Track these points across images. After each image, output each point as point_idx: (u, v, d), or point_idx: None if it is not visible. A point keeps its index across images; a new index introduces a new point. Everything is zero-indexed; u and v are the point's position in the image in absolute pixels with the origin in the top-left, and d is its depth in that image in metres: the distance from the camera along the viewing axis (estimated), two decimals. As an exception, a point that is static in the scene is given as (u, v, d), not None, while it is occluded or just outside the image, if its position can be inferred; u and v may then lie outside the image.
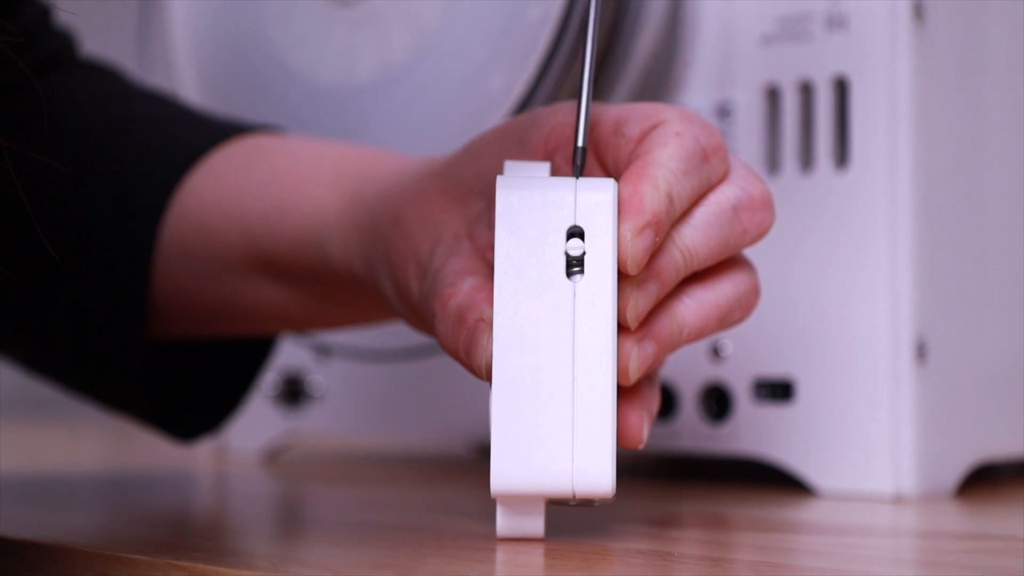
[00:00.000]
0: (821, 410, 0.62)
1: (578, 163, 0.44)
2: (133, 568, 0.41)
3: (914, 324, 0.60)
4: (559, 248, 0.42)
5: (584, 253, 0.42)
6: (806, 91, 0.63)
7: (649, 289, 0.44)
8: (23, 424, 1.19)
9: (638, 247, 0.42)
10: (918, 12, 0.61)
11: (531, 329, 0.42)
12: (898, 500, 0.60)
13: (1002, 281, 0.65)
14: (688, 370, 0.65)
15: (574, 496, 0.43)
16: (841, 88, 0.62)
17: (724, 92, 0.65)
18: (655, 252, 0.43)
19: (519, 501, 0.44)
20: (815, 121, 0.63)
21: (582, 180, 0.43)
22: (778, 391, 0.63)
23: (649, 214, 0.42)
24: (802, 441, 0.62)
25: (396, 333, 0.74)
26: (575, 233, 0.43)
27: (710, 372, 0.65)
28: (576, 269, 0.43)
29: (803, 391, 0.63)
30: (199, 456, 0.83)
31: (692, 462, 0.70)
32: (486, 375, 0.44)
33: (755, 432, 0.64)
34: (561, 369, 0.42)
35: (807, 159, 0.63)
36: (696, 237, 0.45)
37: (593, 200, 0.42)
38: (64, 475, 0.76)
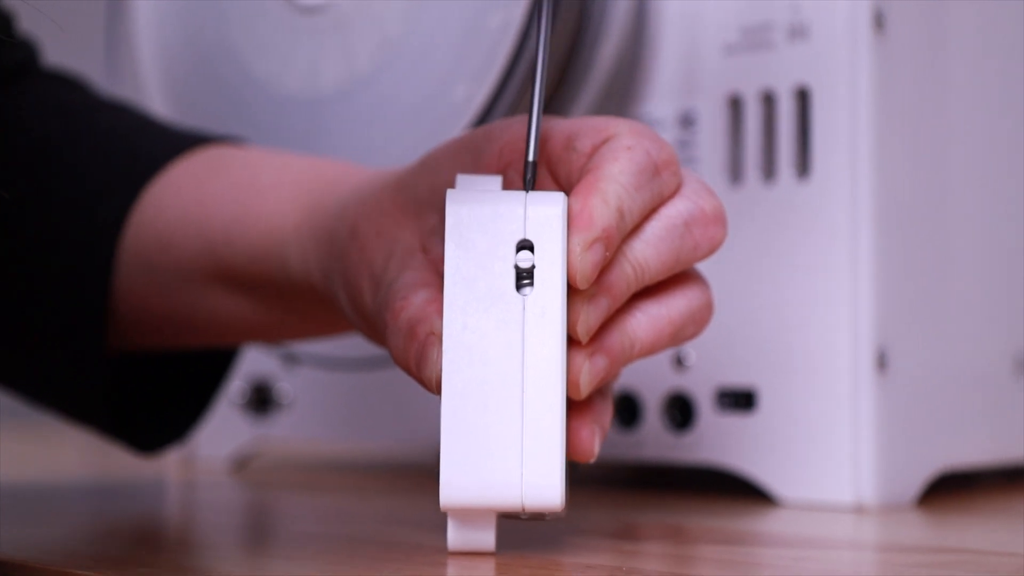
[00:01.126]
0: (783, 420, 0.62)
1: (528, 177, 0.44)
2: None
3: (875, 334, 0.61)
4: (509, 261, 0.43)
5: (533, 266, 0.42)
6: (768, 101, 0.63)
7: (600, 303, 0.44)
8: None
9: (587, 261, 0.42)
10: (878, 21, 0.61)
11: (480, 342, 0.42)
12: (859, 510, 0.60)
13: (963, 290, 0.66)
14: (651, 379, 0.65)
15: (524, 510, 0.43)
16: (803, 97, 0.62)
17: (687, 101, 0.65)
18: (606, 266, 0.43)
19: (470, 514, 0.44)
20: (777, 130, 0.63)
21: (532, 194, 0.43)
22: (740, 400, 0.63)
23: (599, 229, 0.42)
24: (764, 450, 0.63)
25: (362, 342, 0.74)
26: (525, 246, 0.43)
27: (673, 381, 0.65)
28: (526, 282, 0.43)
29: (765, 400, 0.63)
30: (167, 464, 0.83)
31: (655, 471, 0.70)
32: (436, 388, 0.44)
33: (718, 441, 0.64)
34: (510, 382, 0.42)
35: (769, 169, 0.63)
36: (647, 251, 0.45)
37: (543, 214, 0.43)
38: (27, 485, 0.76)
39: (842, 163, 0.61)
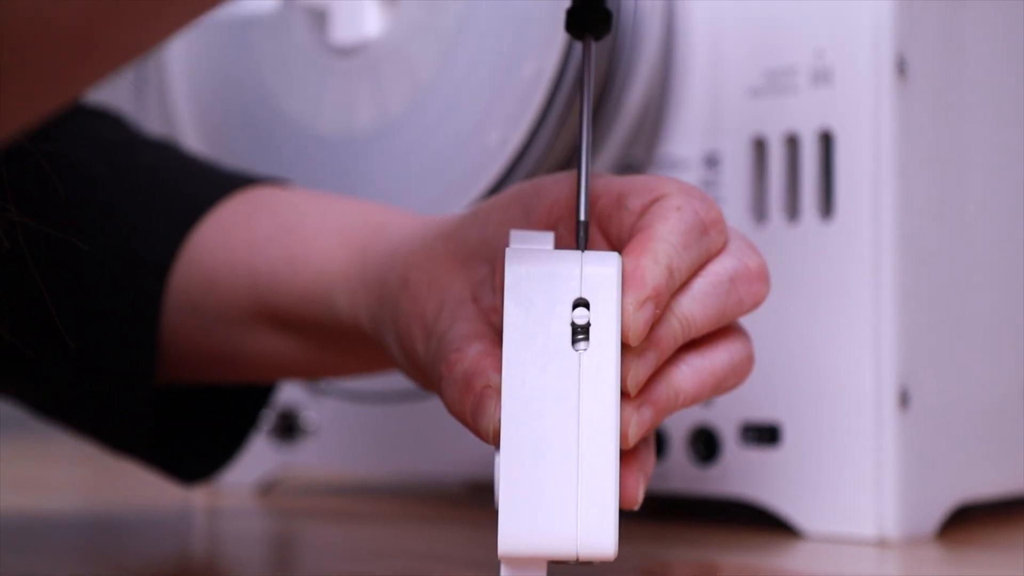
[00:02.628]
0: (806, 454, 0.64)
1: (581, 236, 0.45)
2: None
3: (897, 372, 0.62)
4: (565, 319, 0.44)
5: (589, 323, 0.44)
6: (792, 143, 0.65)
7: (648, 358, 0.45)
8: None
9: (640, 320, 0.44)
10: (901, 68, 0.63)
11: (538, 397, 0.44)
12: (881, 543, 0.62)
13: (979, 327, 0.67)
14: (677, 414, 0.66)
15: (578, 558, 0.44)
16: (826, 141, 0.64)
17: (712, 143, 0.67)
18: (655, 322, 0.45)
19: (523, 561, 0.45)
20: (801, 172, 0.64)
21: (587, 254, 0.45)
22: (765, 435, 0.65)
23: (650, 288, 0.44)
24: (788, 484, 0.64)
25: (387, 376, 0.76)
26: (581, 304, 0.44)
27: (698, 416, 0.66)
28: (581, 338, 0.44)
29: (789, 435, 0.64)
30: (192, 490, 0.84)
31: (680, 502, 0.72)
32: (492, 439, 0.45)
33: (742, 475, 0.65)
34: (566, 435, 0.44)
35: (793, 209, 0.65)
36: (694, 307, 0.46)
37: (598, 274, 0.44)
38: (43, 511, 0.77)
39: (864, 204, 0.63)
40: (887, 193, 0.62)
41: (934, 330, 0.64)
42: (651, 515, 0.71)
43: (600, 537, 0.44)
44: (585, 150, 0.46)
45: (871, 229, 0.62)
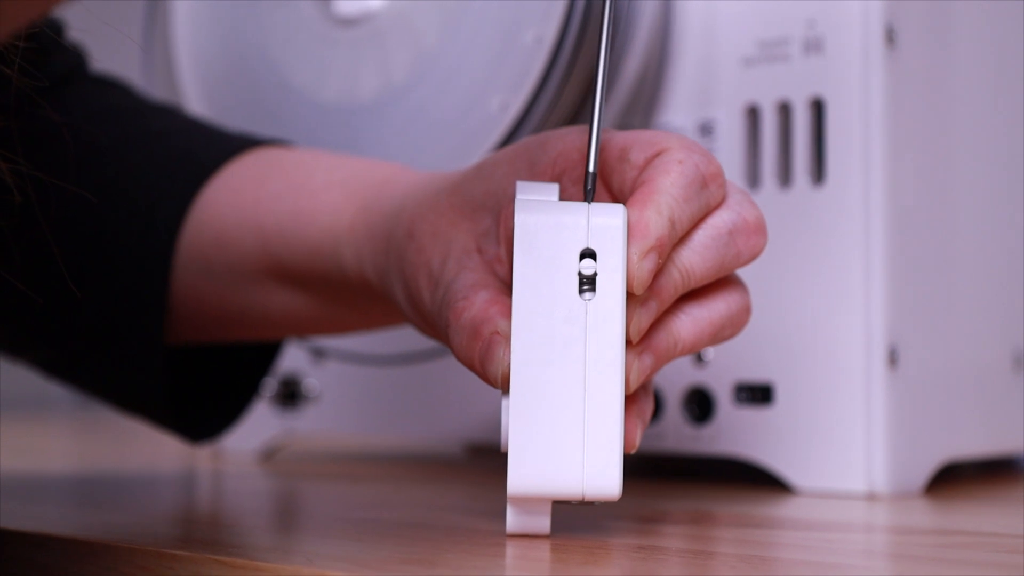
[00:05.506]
0: (799, 413, 0.66)
1: (589, 188, 0.47)
2: (173, 562, 0.45)
3: (886, 331, 0.64)
4: (573, 269, 0.46)
5: (596, 273, 0.46)
6: (784, 111, 0.67)
7: (650, 306, 0.47)
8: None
9: (644, 269, 0.46)
10: (890, 36, 0.64)
11: (546, 343, 0.46)
12: (871, 497, 0.63)
13: (966, 291, 0.69)
14: (672, 374, 0.68)
15: (584, 498, 0.46)
16: (818, 108, 0.66)
17: (707, 111, 0.68)
18: (657, 272, 0.47)
19: (528, 501, 0.47)
20: (793, 139, 0.66)
21: (594, 205, 0.46)
22: (758, 394, 0.67)
23: (653, 238, 0.46)
24: (781, 442, 0.66)
25: (390, 338, 0.77)
26: (588, 255, 0.46)
27: (693, 376, 0.68)
28: (587, 288, 0.46)
29: (782, 395, 0.66)
30: (196, 456, 0.86)
31: (676, 461, 0.74)
32: (500, 384, 0.47)
33: (736, 433, 0.67)
34: (573, 381, 0.46)
35: (785, 175, 0.67)
36: (694, 259, 0.48)
37: (605, 225, 0.46)
38: (52, 474, 0.79)
39: (855, 170, 0.64)
40: (876, 159, 0.64)
41: (922, 292, 0.66)
42: (648, 473, 0.73)
43: (605, 478, 0.46)
44: (599, 102, 0.47)
45: (861, 194, 0.64)
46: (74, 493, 0.69)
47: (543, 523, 0.48)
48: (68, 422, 1.32)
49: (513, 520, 0.48)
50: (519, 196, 0.48)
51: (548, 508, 0.48)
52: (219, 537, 0.52)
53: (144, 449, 0.95)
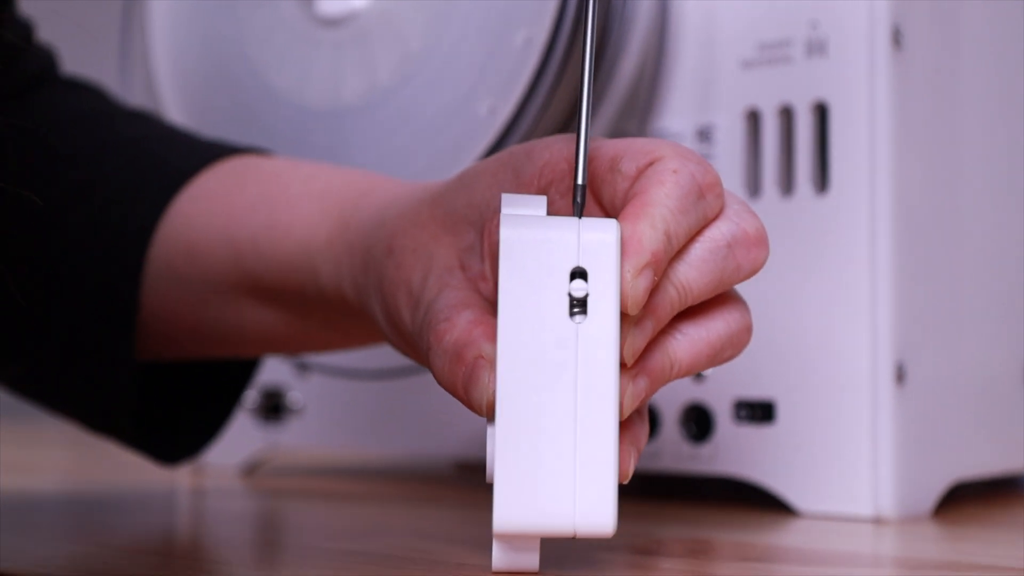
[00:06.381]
0: (801, 432, 0.63)
1: (578, 201, 0.44)
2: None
3: (894, 347, 0.61)
4: (563, 289, 0.43)
5: (587, 295, 0.43)
6: (786, 115, 0.64)
7: (645, 327, 0.44)
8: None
9: (639, 288, 0.43)
10: (896, 39, 0.62)
11: (534, 368, 0.43)
12: (877, 521, 0.61)
13: (975, 303, 0.66)
14: (669, 391, 0.66)
15: (575, 535, 0.43)
16: (821, 113, 0.63)
17: (705, 116, 0.66)
18: (652, 290, 0.44)
19: (517, 537, 0.44)
20: (795, 145, 0.64)
21: (584, 220, 0.43)
22: (758, 412, 0.64)
23: (648, 254, 0.43)
24: (782, 462, 0.63)
25: (376, 350, 0.75)
26: (578, 274, 0.43)
27: (691, 393, 0.65)
28: (578, 310, 0.43)
29: (783, 412, 0.63)
30: (178, 471, 0.83)
31: (673, 481, 0.71)
32: (486, 412, 0.44)
33: (736, 453, 0.64)
34: (564, 408, 0.43)
35: (787, 183, 0.64)
36: (691, 274, 0.45)
37: (597, 241, 0.43)
38: (28, 492, 0.76)
39: (860, 178, 0.62)
40: (883, 166, 0.61)
41: (931, 305, 0.63)
42: (642, 494, 0.71)
43: (599, 513, 0.43)
44: (586, 110, 0.44)
45: (867, 202, 0.61)
46: (58, 516, 0.66)
47: (532, 560, 0.45)
48: (62, 428, 1.29)
49: (500, 557, 0.45)
50: (504, 210, 0.45)
51: (537, 544, 0.45)
52: (170, 573, 0.49)
53: (132, 459, 0.92)
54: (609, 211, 0.47)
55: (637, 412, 0.47)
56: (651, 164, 0.45)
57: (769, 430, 0.64)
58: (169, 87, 0.74)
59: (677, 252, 0.45)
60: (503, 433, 0.43)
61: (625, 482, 0.46)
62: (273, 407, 0.81)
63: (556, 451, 0.43)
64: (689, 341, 0.46)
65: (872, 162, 0.61)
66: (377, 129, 0.67)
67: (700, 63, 0.66)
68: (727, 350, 0.47)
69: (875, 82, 0.62)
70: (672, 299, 0.45)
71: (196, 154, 0.61)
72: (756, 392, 0.64)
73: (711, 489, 0.71)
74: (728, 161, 0.65)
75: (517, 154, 0.49)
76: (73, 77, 0.67)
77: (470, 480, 0.81)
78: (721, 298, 0.47)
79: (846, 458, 0.62)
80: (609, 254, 0.43)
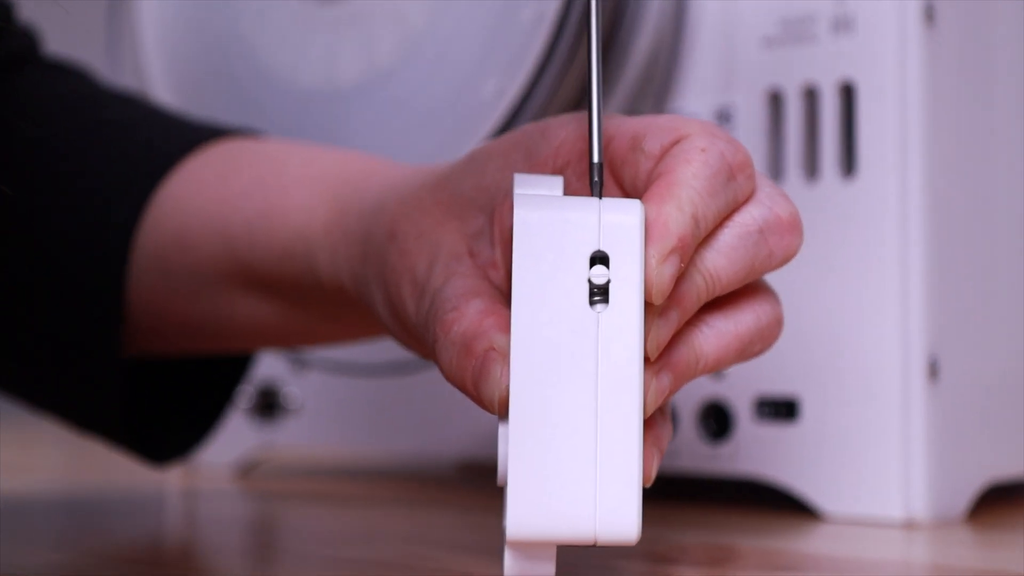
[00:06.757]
0: (827, 430, 0.60)
1: (596, 180, 0.41)
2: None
3: (926, 340, 0.58)
4: (582, 275, 0.40)
5: (608, 281, 0.39)
6: (811, 96, 0.61)
7: (670, 317, 0.41)
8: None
9: (665, 275, 0.39)
10: (928, 14, 0.59)
11: (550, 361, 0.39)
12: (909, 525, 0.58)
13: (1016, 294, 0.63)
14: (687, 387, 0.62)
15: (596, 543, 0.40)
16: (848, 93, 0.60)
17: (724, 96, 0.63)
18: (678, 277, 0.40)
19: (532, 546, 0.41)
20: (820, 127, 0.61)
21: (606, 201, 0.40)
22: (781, 410, 0.61)
23: (675, 239, 0.40)
24: (807, 463, 0.60)
25: (376, 345, 0.72)
26: (599, 259, 0.40)
27: (709, 389, 0.62)
28: (598, 298, 0.40)
29: (808, 410, 0.60)
30: (170, 471, 0.80)
31: (692, 482, 0.68)
32: (498, 409, 0.41)
33: (757, 453, 0.61)
34: (584, 405, 0.39)
35: (812, 167, 0.61)
36: (720, 261, 0.42)
37: (619, 223, 0.39)
38: (18, 494, 0.74)
39: (890, 162, 0.59)
40: (913, 149, 0.59)
41: (965, 296, 0.60)
42: (660, 496, 0.67)
43: (622, 519, 0.39)
44: (596, 83, 0.41)
45: (896, 188, 0.59)
46: (47, 521, 0.63)
47: (547, 569, 0.41)
48: (60, 428, 1.27)
49: (512, 566, 0.41)
50: (517, 190, 0.42)
51: (553, 552, 0.41)
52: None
53: (127, 460, 0.90)
54: (631, 194, 0.43)
55: (660, 410, 0.44)
56: (677, 142, 0.42)
57: (793, 429, 0.60)
58: (158, 68, 0.72)
59: (705, 238, 0.42)
60: (517, 432, 0.39)
61: (648, 485, 0.43)
62: (268, 404, 0.78)
63: (575, 451, 0.39)
64: (716, 334, 0.43)
65: (902, 145, 0.59)
66: (376, 112, 0.65)
67: (719, 40, 0.63)
68: (756, 344, 0.44)
69: (906, 61, 0.59)
70: (699, 288, 0.42)
71: (186, 136, 0.58)
72: (779, 388, 0.61)
73: (732, 491, 0.68)
74: (749, 145, 0.62)
75: (531, 133, 0.46)
76: (57, 58, 0.64)
77: (474, 482, 0.78)
78: (750, 288, 0.44)
79: (875, 458, 0.58)
80: (632, 238, 0.39)
